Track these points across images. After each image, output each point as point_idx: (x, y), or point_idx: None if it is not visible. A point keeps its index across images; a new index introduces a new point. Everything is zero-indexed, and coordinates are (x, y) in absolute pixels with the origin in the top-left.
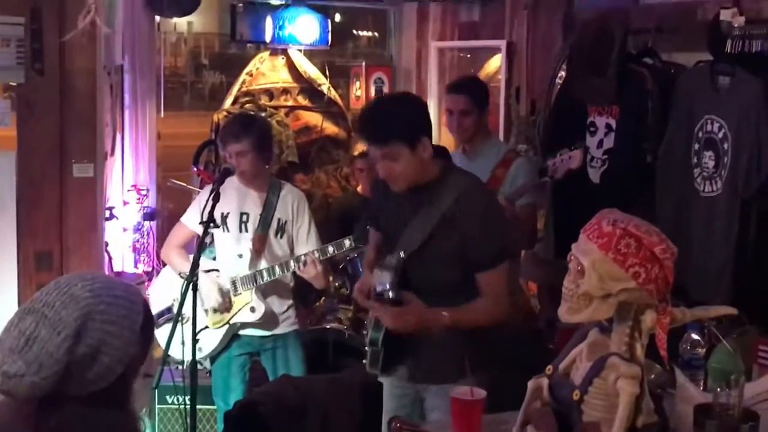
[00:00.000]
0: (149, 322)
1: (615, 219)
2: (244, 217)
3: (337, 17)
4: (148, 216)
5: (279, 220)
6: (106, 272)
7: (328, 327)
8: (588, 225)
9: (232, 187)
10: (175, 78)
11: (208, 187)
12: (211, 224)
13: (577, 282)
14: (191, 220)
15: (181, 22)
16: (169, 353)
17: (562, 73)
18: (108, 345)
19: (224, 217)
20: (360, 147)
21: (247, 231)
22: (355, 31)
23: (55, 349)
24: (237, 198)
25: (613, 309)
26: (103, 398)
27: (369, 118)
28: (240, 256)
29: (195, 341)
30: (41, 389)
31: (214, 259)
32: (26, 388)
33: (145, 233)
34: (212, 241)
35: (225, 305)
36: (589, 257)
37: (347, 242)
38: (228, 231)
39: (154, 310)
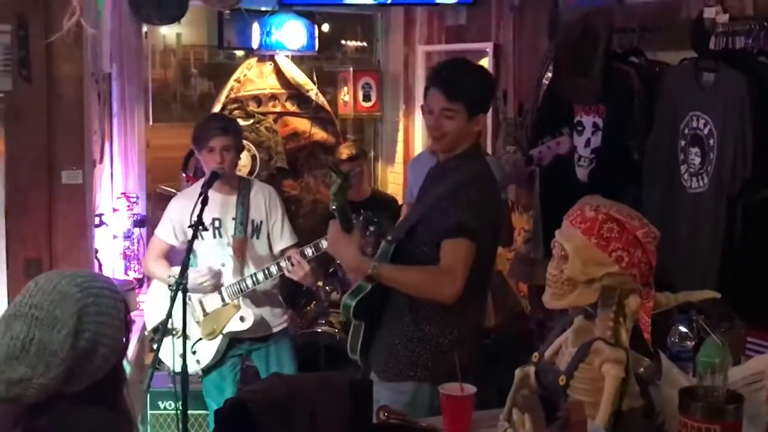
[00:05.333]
0: (127, 309)
1: (597, 204)
2: (217, 223)
3: (324, 23)
4: (138, 223)
5: (253, 221)
6: None
7: (319, 331)
8: (571, 211)
9: (198, 193)
10: (164, 90)
11: (177, 198)
12: (200, 227)
13: (560, 267)
14: (164, 233)
15: (170, 35)
16: (165, 362)
17: (549, 74)
18: (104, 336)
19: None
20: (346, 151)
21: (221, 236)
22: (342, 37)
23: (59, 347)
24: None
25: (597, 294)
26: (97, 392)
27: (450, 72)
28: (223, 264)
29: (185, 345)
30: (49, 390)
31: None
32: (35, 391)
33: (135, 240)
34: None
35: (215, 281)
36: (572, 242)
37: (324, 243)
38: (202, 239)
39: (151, 325)
